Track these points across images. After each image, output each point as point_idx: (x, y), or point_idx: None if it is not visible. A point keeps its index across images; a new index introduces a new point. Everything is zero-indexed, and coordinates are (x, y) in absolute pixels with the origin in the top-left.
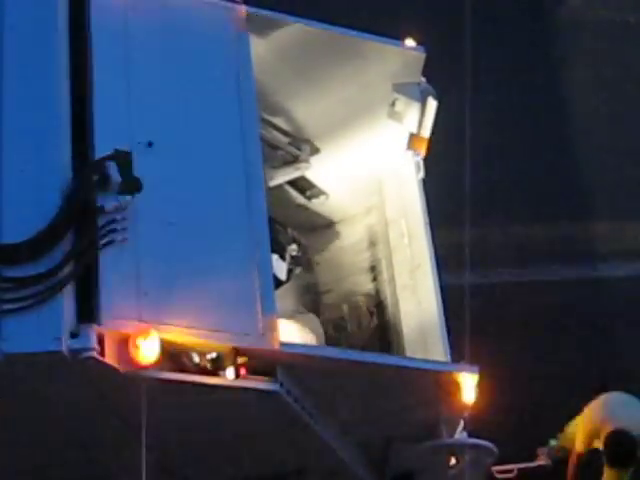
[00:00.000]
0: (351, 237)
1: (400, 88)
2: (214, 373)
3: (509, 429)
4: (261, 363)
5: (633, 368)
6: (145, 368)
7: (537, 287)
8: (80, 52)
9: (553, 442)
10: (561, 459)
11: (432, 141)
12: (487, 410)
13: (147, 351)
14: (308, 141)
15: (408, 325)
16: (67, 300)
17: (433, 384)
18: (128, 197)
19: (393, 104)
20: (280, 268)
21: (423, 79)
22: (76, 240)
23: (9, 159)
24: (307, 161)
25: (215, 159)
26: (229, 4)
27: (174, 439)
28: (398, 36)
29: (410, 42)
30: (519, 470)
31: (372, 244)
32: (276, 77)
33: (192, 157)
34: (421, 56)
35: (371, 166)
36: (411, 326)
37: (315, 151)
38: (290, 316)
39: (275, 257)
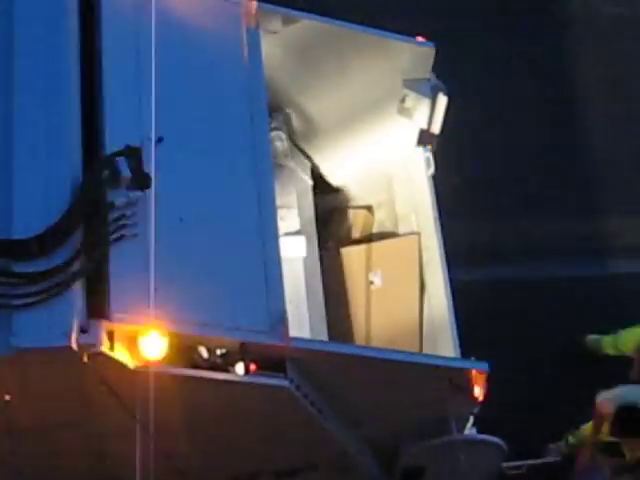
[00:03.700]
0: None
1: (410, 84)
2: (224, 369)
3: (518, 425)
4: (271, 359)
5: None
6: (154, 364)
7: (546, 283)
8: (91, 48)
9: (571, 439)
10: (571, 456)
11: (442, 137)
12: (496, 406)
13: (156, 347)
14: (281, 110)
15: None
16: (77, 296)
17: (443, 380)
18: (138, 193)
19: (403, 100)
20: (299, 244)
21: (433, 75)
22: (86, 236)
23: (20, 155)
24: (280, 129)
25: (225, 154)
26: (240, 0)
27: (183, 434)
28: (407, 32)
29: (420, 38)
30: (529, 466)
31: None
32: (286, 73)
33: (202, 153)
34: (431, 52)
35: (381, 162)
36: (422, 321)
37: (288, 120)
38: None
39: (288, 239)
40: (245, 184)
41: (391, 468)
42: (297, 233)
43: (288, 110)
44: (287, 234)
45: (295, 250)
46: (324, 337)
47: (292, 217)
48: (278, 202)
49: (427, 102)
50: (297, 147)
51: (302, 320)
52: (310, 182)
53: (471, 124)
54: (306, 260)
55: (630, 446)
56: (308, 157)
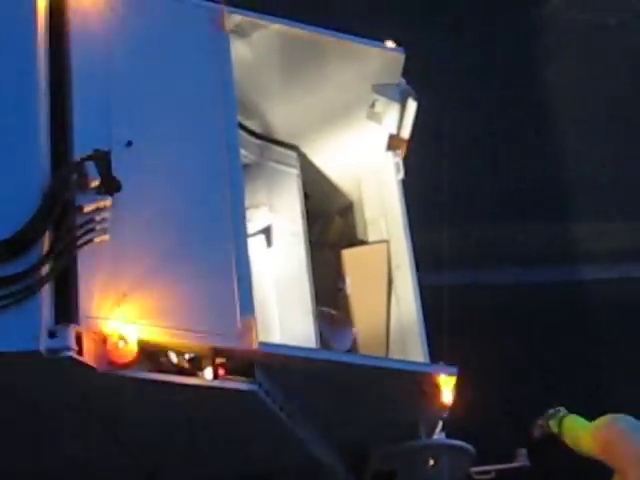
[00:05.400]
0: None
1: (380, 89)
2: (192, 373)
3: (487, 430)
4: (240, 363)
5: (614, 368)
6: (123, 368)
7: (516, 288)
8: (59, 52)
9: (553, 423)
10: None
11: (412, 142)
12: (465, 410)
13: (125, 351)
14: (251, 112)
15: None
16: (45, 299)
17: (412, 385)
18: (107, 197)
19: (373, 105)
20: (260, 243)
21: (403, 80)
22: (54, 240)
23: None
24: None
25: (195, 159)
26: (209, 4)
27: (153, 439)
28: (378, 37)
29: (390, 43)
30: (497, 471)
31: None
32: (256, 78)
33: (172, 157)
34: (401, 57)
35: (350, 167)
36: (390, 327)
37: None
38: None
39: (252, 239)
40: (214, 187)
41: (361, 473)
42: (264, 232)
43: (258, 113)
44: (255, 233)
45: (258, 249)
46: (313, 340)
47: (260, 216)
48: (246, 202)
49: (397, 107)
50: (275, 141)
51: (271, 322)
52: (295, 172)
53: (443, 127)
54: (291, 255)
55: None
56: (292, 147)
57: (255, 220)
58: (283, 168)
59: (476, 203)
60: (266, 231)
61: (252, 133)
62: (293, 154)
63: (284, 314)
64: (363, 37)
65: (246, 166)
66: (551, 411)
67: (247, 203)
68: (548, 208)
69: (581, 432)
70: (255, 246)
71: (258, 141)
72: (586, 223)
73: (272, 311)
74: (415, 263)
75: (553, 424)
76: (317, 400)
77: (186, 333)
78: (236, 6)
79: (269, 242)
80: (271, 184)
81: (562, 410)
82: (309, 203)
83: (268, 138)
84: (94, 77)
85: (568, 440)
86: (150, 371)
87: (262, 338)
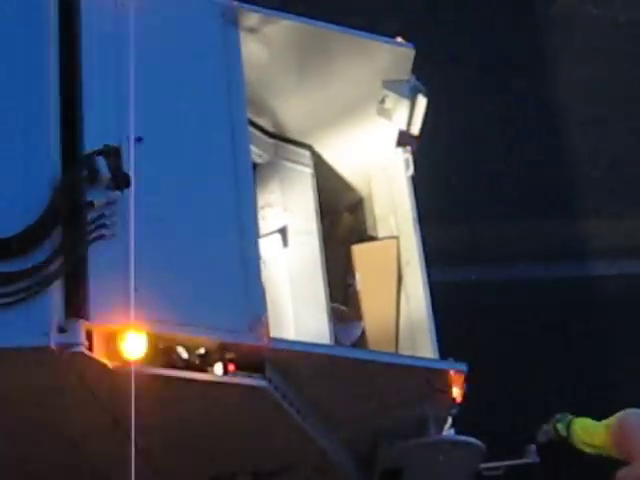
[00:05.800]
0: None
1: (390, 85)
2: (202, 369)
3: (496, 426)
4: (250, 359)
5: (620, 365)
6: (133, 364)
7: (524, 285)
8: (69, 48)
9: (561, 426)
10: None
11: (421, 139)
12: (475, 407)
13: (135, 347)
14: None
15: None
16: (56, 295)
17: (421, 381)
18: (117, 192)
19: (382, 101)
20: (277, 242)
21: (413, 76)
22: (65, 235)
23: None
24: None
25: (204, 155)
26: (220, 0)
27: (162, 434)
28: (388, 33)
29: (400, 39)
30: (506, 467)
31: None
32: (266, 73)
33: (181, 152)
34: (411, 53)
35: (360, 163)
36: (400, 323)
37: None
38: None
39: (268, 238)
40: (224, 184)
41: (370, 469)
42: (280, 231)
43: (269, 110)
44: (270, 233)
45: (273, 249)
46: (327, 337)
47: (275, 215)
48: (260, 202)
49: (406, 103)
50: (288, 140)
51: (285, 320)
52: (309, 171)
53: (450, 125)
54: (305, 254)
55: None
56: (305, 146)
57: (269, 219)
58: (297, 167)
59: (485, 201)
60: (282, 231)
61: (265, 132)
62: (307, 153)
63: (298, 312)
64: (373, 33)
65: (260, 165)
66: (558, 416)
67: (261, 202)
68: (556, 207)
69: (595, 429)
70: (270, 245)
71: (272, 140)
72: (599, 220)
73: (287, 309)
74: (425, 259)
75: (561, 427)
76: (327, 396)
77: (197, 329)
78: (246, 2)
79: (285, 242)
80: (285, 183)
81: (569, 415)
82: (319, 199)
83: (281, 137)
84: (104, 72)
85: (578, 441)
86: (160, 367)
87: (275, 335)
